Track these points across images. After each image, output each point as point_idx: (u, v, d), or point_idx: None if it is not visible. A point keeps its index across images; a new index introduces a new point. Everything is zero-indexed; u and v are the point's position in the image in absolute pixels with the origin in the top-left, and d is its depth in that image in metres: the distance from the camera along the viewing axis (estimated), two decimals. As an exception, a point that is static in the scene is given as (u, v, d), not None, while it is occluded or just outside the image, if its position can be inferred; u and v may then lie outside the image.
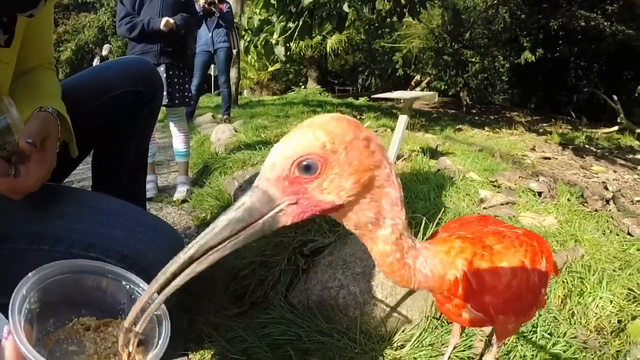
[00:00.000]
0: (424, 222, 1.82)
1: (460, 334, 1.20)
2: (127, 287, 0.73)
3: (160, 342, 0.65)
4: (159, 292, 0.57)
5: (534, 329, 1.53)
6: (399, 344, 1.49)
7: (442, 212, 2.21)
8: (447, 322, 1.52)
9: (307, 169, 0.53)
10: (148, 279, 0.66)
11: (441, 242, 0.77)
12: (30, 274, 0.63)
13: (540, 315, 1.60)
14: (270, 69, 18.24)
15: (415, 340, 1.46)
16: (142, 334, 0.63)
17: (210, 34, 6.59)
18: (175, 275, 0.55)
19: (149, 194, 3.39)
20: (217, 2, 6.21)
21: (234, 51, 7.48)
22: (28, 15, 1.11)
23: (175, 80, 3.33)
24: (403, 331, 1.49)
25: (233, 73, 9.59)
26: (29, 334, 0.57)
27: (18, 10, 1.08)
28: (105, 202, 1.19)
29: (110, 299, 0.73)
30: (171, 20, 3.15)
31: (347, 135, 0.53)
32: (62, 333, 0.66)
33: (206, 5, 6.18)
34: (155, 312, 0.64)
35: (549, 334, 1.52)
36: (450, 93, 14.91)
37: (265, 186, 0.54)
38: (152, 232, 1.11)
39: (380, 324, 1.48)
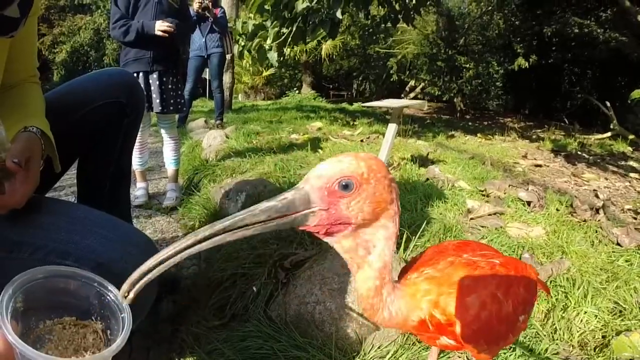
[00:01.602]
0: (405, 236, 1.81)
1: (439, 355, 1.19)
2: (98, 289, 0.78)
3: (122, 334, 0.70)
4: (182, 251, 0.64)
5: (512, 346, 1.52)
6: (375, 361, 1.48)
7: (428, 223, 2.20)
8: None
9: (346, 187, 0.65)
10: (120, 286, 0.74)
11: (409, 284, 0.82)
12: (16, 277, 0.69)
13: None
14: (265, 73, 18.23)
15: (392, 356, 1.45)
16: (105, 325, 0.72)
17: (203, 39, 6.58)
18: (205, 239, 0.63)
19: (139, 201, 3.39)
20: (210, 7, 6.20)
21: (228, 56, 7.48)
22: (9, 37, 1.13)
23: (169, 86, 3.29)
24: (379, 347, 1.48)
25: (227, 78, 9.58)
26: (16, 328, 0.65)
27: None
28: (82, 211, 1.22)
29: (83, 301, 0.78)
30: (165, 24, 3.12)
31: (379, 172, 0.67)
32: (43, 329, 0.72)
33: (200, 10, 6.17)
34: (121, 308, 0.72)
35: (529, 350, 1.51)
36: (444, 99, 14.96)
37: (309, 189, 0.66)
38: (126, 241, 1.15)
39: (356, 340, 1.47)
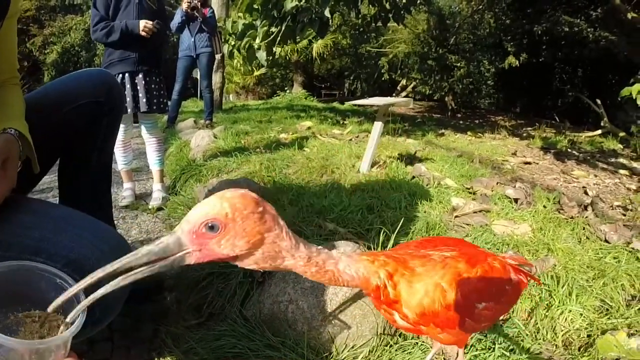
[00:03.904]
0: (382, 234, 1.79)
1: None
2: (59, 283, 0.83)
3: (77, 321, 0.74)
4: (86, 290, 0.71)
5: (491, 346, 1.49)
6: (347, 361, 1.47)
7: (410, 221, 2.18)
8: (401, 338, 1.50)
9: (212, 228, 0.70)
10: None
11: (367, 254, 0.90)
12: None
13: (500, 331, 1.56)
14: (256, 73, 18.20)
15: (364, 357, 1.43)
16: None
17: (192, 39, 6.54)
18: (100, 281, 0.69)
19: (126, 202, 3.38)
20: (199, 7, 6.17)
21: (218, 56, 7.45)
22: None
23: (153, 86, 3.31)
24: (353, 347, 1.46)
25: (217, 78, 9.55)
26: None
27: None
28: (57, 210, 1.27)
29: (45, 294, 0.81)
30: (150, 23, 3.14)
31: (245, 210, 0.71)
32: (12, 321, 0.76)
33: (189, 10, 6.15)
34: (79, 301, 0.75)
35: (509, 350, 1.48)
36: (435, 97, 14.99)
37: (180, 234, 0.71)
38: (98, 239, 1.17)
39: (329, 340, 1.46)
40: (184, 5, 6.14)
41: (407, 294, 0.87)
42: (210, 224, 0.70)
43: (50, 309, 0.73)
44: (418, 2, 6.74)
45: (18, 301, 0.79)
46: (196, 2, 6.10)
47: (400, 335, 1.53)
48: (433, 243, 1.03)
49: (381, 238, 1.87)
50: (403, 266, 0.89)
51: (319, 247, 0.82)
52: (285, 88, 19.59)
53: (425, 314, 0.88)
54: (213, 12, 6.72)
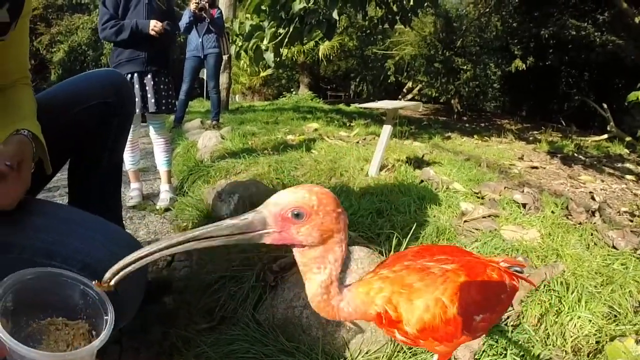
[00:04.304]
0: (397, 239, 1.79)
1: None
2: (82, 289, 0.85)
3: (103, 333, 0.76)
4: (157, 252, 0.74)
5: (503, 352, 1.50)
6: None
7: (421, 225, 2.18)
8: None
9: (297, 215, 0.76)
10: None
11: (363, 284, 0.94)
12: (6, 279, 0.75)
13: (512, 337, 1.57)
14: (263, 74, 18.20)
15: (379, 363, 1.43)
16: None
17: (200, 40, 6.56)
18: (178, 244, 0.75)
19: (133, 202, 3.39)
20: (207, 7, 6.18)
21: (225, 57, 7.46)
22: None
23: (162, 86, 3.32)
24: (367, 352, 1.46)
25: (224, 78, 9.56)
26: (6, 326, 0.70)
27: None
28: (70, 213, 1.28)
29: (69, 300, 0.84)
30: (159, 23, 3.16)
31: (328, 206, 0.78)
32: (36, 329, 0.78)
33: (197, 11, 6.16)
34: (105, 308, 0.81)
35: (520, 356, 1.49)
36: (441, 100, 14.97)
37: (266, 214, 0.77)
38: (111, 241, 1.17)
39: (343, 345, 1.46)
40: (192, 6, 6.16)
41: (407, 312, 0.90)
42: (297, 212, 0.76)
43: (106, 276, 0.74)
44: (425, 4, 6.72)
45: (41, 308, 0.80)
46: (204, 2, 6.11)
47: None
48: (431, 252, 1.05)
49: (393, 243, 1.87)
50: (400, 285, 0.92)
51: (345, 284, 0.91)
52: (292, 89, 19.61)
53: (425, 329, 0.91)
54: (221, 12, 6.73)
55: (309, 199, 0.77)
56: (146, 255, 0.74)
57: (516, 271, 1.12)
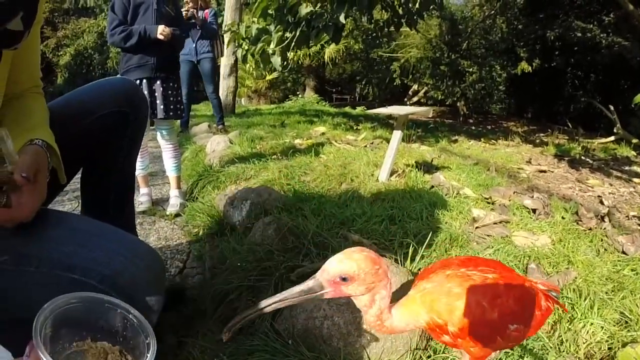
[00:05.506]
0: (412, 247, 1.80)
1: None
2: (120, 312, 0.87)
3: (149, 354, 0.80)
4: (254, 313, 1.02)
5: (520, 358, 1.52)
6: (383, 376, 1.47)
7: (434, 232, 2.19)
8: (434, 353, 1.51)
9: (344, 279, 0.98)
10: (127, 298, 0.93)
11: (407, 302, 1.11)
12: (46, 305, 0.77)
13: (527, 345, 1.58)
14: (268, 77, 18.26)
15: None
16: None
17: (194, 44, 6.59)
18: (263, 308, 1.01)
19: (142, 207, 3.40)
20: (196, 14, 6.10)
21: (224, 59, 7.41)
22: (13, 49, 1.13)
23: (170, 92, 3.34)
24: (388, 363, 1.47)
25: (230, 82, 9.60)
26: (46, 352, 0.71)
27: (2, 47, 1.10)
28: (87, 223, 1.27)
29: (107, 324, 0.86)
30: (167, 29, 3.17)
31: (367, 268, 0.97)
32: (74, 352, 0.80)
33: (185, 20, 6.14)
34: (145, 331, 0.85)
35: (537, 364, 1.50)
36: (447, 103, 14.97)
37: (321, 280, 0.99)
38: (130, 253, 1.16)
39: (365, 356, 1.46)
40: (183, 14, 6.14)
41: (449, 313, 1.05)
42: (343, 277, 0.97)
43: (225, 336, 1.03)
44: (431, 7, 6.72)
45: (78, 333, 0.82)
46: (192, 10, 6.01)
47: (433, 350, 1.54)
48: (475, 263, 1.17)
49: (410, 252, 1.88)
50: (439, 293, 1.08)
51: (390, 307, 1.08)
52: (297, 92, 19.64)
53: (464, 328, 1.04)
54: (215, 13, 6.63)
55: (349, 267, 0.97)
56: (247, 315, 1.01)
57: (552, 295, 1.22)
